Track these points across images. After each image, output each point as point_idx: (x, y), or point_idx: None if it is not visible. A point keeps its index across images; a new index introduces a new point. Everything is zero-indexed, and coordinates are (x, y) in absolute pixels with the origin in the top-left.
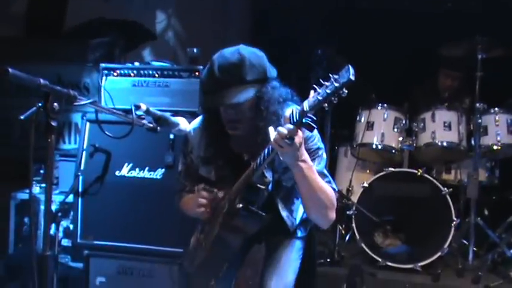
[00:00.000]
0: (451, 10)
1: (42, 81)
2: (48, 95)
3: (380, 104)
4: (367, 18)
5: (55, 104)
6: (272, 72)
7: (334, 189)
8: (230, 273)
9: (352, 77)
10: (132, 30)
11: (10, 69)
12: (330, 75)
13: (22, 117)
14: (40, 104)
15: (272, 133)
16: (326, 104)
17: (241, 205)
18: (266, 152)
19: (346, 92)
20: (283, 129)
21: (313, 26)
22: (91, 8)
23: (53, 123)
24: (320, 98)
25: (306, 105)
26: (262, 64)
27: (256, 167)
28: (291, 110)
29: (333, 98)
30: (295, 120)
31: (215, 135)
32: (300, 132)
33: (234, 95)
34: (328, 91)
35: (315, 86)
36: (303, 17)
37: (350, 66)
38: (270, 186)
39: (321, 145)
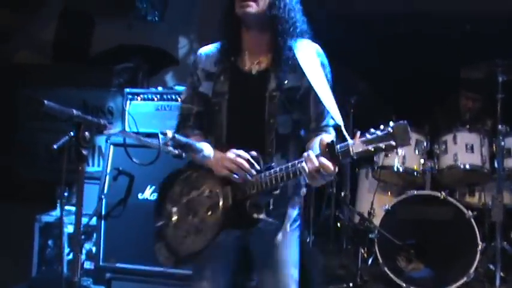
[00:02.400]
0: (470, 32)
1: (75, 112)
2: (80, 125)
3: None
4: (388, 41)
5: (86, 133)
6: None
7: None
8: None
9: (411, 143)
10: (155, 55)
11: (45, 102)
12: (389, 128)
13: (55, 147)
14: (72, 134)
15: (306, 160)
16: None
17: (261, 216)
18: (291, 170)
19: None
20: (321, 163)
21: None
22: (116, 34)
23: (84, 152)
24: (371, 149)
25: (353, 150)
26: None
27: (274, 182)
28: (327, 139)
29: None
30: (336, 158)
31: (229, 37)
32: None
33: None
34: (382, 146)
35: (360, 131)
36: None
37: (407, 125)
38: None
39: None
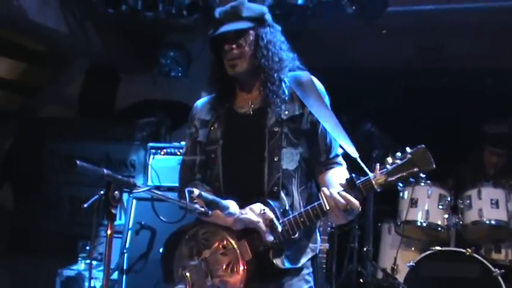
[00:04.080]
0: (493, 87)
1: (105, 171)
2: (110, 184)
3: (424, 181)
4: (410, 96)
5: (116, 192)
6: (271, 18)
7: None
8: None
9: (434, 166)
10: (177, 110)
11: (78, 162)
12: (408, 155)
13: (85, 206)
14: (102, 193)
15: (329, 198)
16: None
17: (282, 264)
18: (311, 213)
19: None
20: (346, 199)
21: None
22: (140, 90)
23: (113, 211)
24: (394, 179)
25: (375, 183)
26: (260, 8)
27: (296, 228)
28: (344, 173)
29: (409, 180)
30: (358, 192)
31: (220, 88)
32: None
33: (229, 25)
34: (404, 174)
35: (378, 163)
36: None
37: (426, 149)
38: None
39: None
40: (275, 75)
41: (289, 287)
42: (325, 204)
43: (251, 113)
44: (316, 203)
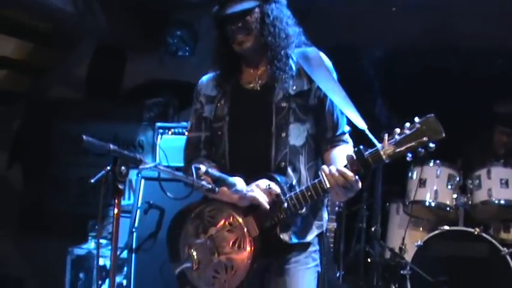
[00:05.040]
0: (503, 66)
1: (112, 146)
2: (116, 160)
3: (432, 161)
4: (419, 75)
5: (122, 167)
6: None
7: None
8: None
9: (443, 134)
10: (185, 90)
11: (84, 137)
12: (417, 125)
13: (92, 181)
14: (109, 168)
15: (328, 175)
16: (410, 155)
17: (289, 239)
18: (319, 187)
19: (434, 146)
20: (345, 176)
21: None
22: (147, 69)
23: (120, 186)
24: (403, 150)
25: (384, 154)
26: None
27: (303, 202)
28: (350, 151)
29: (419, 150)
30: (366, 164)
31: (225, 65)
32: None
33: (235, 6)
34: (414, 144)
35: (387, 132)
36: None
37: (435, 117)
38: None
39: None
40: (282, 51)
41: (296, 263)
42: (325, 182)
43: (258, 88)
44: (317, 179)
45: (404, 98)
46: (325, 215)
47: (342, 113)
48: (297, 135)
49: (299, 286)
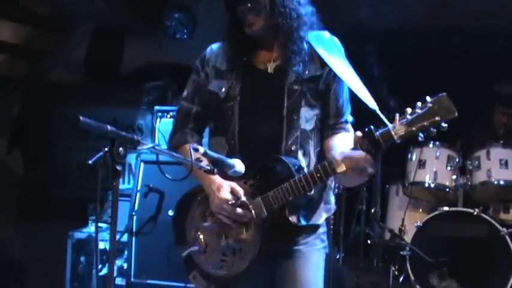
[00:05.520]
0: (505, 46)
1: (109, 127)
2: (114, 141)
3: (432, 142)
4: (419, 55)
5: (120, 149)
6: None
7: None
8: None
9: (456, 114)
10: (184, 73)
11: (81, 118)
12: (428, 104)
13: (90, 162)
14: (106, 149)
15: (342, 160)
16: (422, 134)
17: (298, 221)
18: (328, 168)
19: (447, 125)
20: (358, 160)
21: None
22: (145, 53)
23: (118, 168)
24: (415, 129)
25: (395, 134)
26: None
27: (312, 183)
28: (350, 139)
29: (430, 130)
30: (377, 144)
31: (235, 45)
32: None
33: None
34: (426, 124)
35: (398, 112)
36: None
37: (447, 96)
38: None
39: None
40: (294, 33)
41: (305, 245)
42: (339, 166)
43: (271, 70)
44: (327, 161)
45: (404, 79)
46: (333, 199)
47: (348, 102)
48: (307, 119)
49: (309, 267)
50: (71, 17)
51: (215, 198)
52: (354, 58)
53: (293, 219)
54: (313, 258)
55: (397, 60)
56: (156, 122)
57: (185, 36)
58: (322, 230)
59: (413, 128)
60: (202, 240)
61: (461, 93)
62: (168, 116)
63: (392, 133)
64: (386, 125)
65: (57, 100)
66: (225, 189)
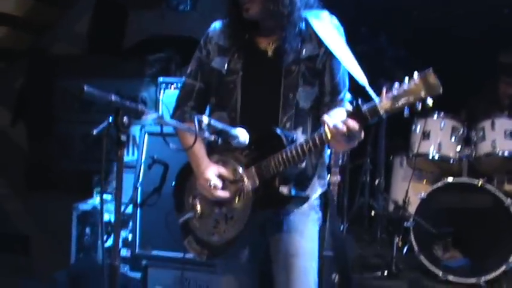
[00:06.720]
0: (510, 16)
1: (113, 97)
2: (118, 110)
3: (436, 113)
4: (425, 27)
5: (125, 118)
6: None
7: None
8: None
9: (440, 90)
10: (187, 45)
11: (85, 87)
12: (415, 79)
13: (94, 132)
14: (111, 119)
15: (329, 123)
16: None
17: (289, 192)
18: (317, 137)
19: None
20: (343, 125)
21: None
22: (148, 25)
23: (123, 138)
24: (400, 104)
25: (381, 108)
26: None
27: (302, 154)
28: (347, 105)
29: (416, 105)
30: (363, 118)
31: (237, 27)
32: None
33: None
34: (411, 99)
35: (385, 86)
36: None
37: (432, 72)
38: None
39: None
40: (290, 17)
41: (299, 215)
42: (325, 133)
43: (270, 52)
44: (321, 130)
45: (410, 51)
46: (326, 174)
47: (344, 80)
48: (305, 97)
49: (303, 237)
50: None
51: (200, 178)
52: (353, 36)
53: (283, 189)
54: (307, 228)
55: (401, 32)
56: (159, 93)
57: (188, 7)
58: (317, 202)
59: (399, 103)
60: (198, 206)
61: (466, 64)
62: (172, 87)
63: (378, 107)
64: (373, 99)
65: (60, 72)
66: (210, 170)
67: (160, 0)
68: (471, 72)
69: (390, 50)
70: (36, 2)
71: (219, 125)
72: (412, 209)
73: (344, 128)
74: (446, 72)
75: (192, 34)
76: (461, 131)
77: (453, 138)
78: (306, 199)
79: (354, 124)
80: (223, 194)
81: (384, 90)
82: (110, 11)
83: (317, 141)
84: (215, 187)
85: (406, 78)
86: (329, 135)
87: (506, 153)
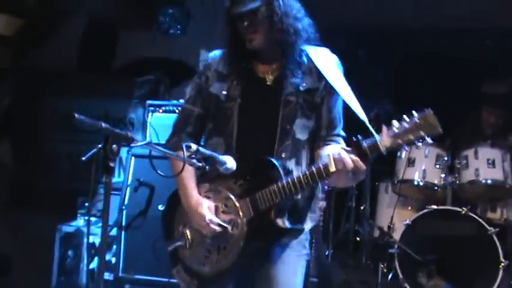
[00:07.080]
0: (492, 47)
1: (103, 124)
2: (107, 138)
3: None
4: (408, 56)
5: (114, 145)
6: None
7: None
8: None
9: (440, 130)
10: (176, 68)
11: (76, 115)
12: (415, 119)
13: (84, 159)
14: (100, 146)
15: (332, 161)
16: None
17: (283, 224)
18: (316, 172)
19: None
20: (353, 160)
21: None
22: (138, 47)
23: (111, 164)
24: (400, 142)
25: (381, 145)
26: None
27: (299, 187)
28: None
29: (416, 143)
30: (364, 155)
31: (237, 56)
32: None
33: (242, 4)
34: (411, 138)
35: (385, 124)
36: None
37: (433, 113)
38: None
39: None
40: (292, 47)
41: (288, 249)
42: (331, 165)
43: (270, 81)
44: (321, 163)
45: (394, 80)
46: (317, 210)
47: (341, 116)
48: (302, 129)
49: (288, 271)
50: (64, 8)
51: (195, 215)
52: (345, 59)
53: (279, 221)
54: (294, 263)
55: (385, 60)
56: (147, 116)
57: (178, 31)
58: (306, 237)
59: (399, 141)
60: (188, 235)
61: (450, 93)
62: (160, 110)
63: (379, 144)
64: (373, 136)
65: (48, 91)
66: (203, 205)
67: (152, 23)
68: (456, 100)
69: (377, 77)
70: (25, 21)
71: (207, 152)
72: (397, 235)
73: (350, 162)
74: (431, 100)
75: (182, 57)
76: (445, 159)
77: (437, 165)
78: (301, 231)
79: (357, 159)
80: (220, 228)
81: (384, 128)
82: (100, 32)
83: (317, 173)
84: (211, 222)
85: (405, 117)
86: (333, 168)
87: (489, 181)
